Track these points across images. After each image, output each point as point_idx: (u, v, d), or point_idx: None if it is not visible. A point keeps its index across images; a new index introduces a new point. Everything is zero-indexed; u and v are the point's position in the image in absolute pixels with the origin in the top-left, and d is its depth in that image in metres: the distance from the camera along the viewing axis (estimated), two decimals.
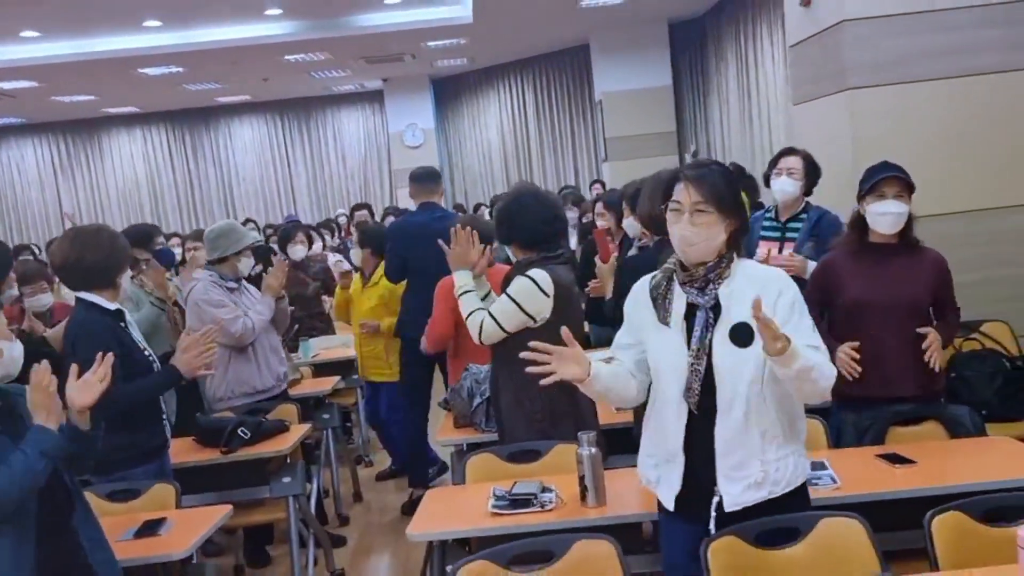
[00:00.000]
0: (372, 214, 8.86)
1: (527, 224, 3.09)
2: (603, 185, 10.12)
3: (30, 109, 13.73)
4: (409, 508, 4.86)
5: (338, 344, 5.93)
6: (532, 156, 14.28)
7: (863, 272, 3.08)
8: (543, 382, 2.12)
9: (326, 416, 4.84)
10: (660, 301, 2.16)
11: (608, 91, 11.92)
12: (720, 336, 2.07)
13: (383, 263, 5.06)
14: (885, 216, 3.03)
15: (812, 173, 3.78)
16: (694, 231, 2.09)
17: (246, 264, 4.25)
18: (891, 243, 3.08)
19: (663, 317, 2.15)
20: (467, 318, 3.09)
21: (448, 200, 14.72)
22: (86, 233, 3.10)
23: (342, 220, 10.98)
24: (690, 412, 2.13)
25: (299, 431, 3.95)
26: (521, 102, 14.27)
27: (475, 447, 3.21)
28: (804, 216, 3.78)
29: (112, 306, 3.10)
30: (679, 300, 2.13)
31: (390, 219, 8.86)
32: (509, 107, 14.42)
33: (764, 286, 2.08)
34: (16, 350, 2.38)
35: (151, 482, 3.03)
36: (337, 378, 5.23)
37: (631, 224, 4.23)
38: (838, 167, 4.29)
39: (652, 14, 11.23)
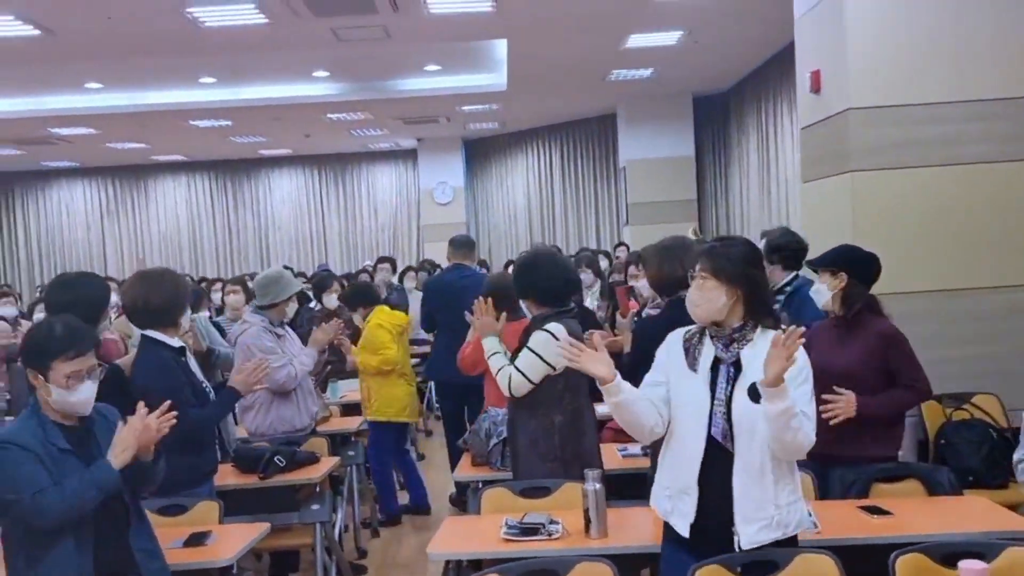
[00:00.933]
0: (394, 268, 9.14)
1: (543, 283, 3.38)
2: (627, 247, 10.38)
3: (84, 154, 14.37)
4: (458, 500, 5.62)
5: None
6: (556, 217, 14.65)
7: (822, 341, 3.33)
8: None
9: (351, 453, 5.08)
10: (691, 350, 2.40)
11: (632, 159, 12.28)
12: (740, 391, 2.30)
13: (369, 313, 5.47)
14: (814, 294, 3.41)
15: (790, 251, 4.07)
16: (698, 295, 2.38)
17: (292, 309, 4.57)
18: (845, 316, 3.36)
19: (692, 364, 2.39)
20: (496, 374, 3.36)
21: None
22: (151, 277, 3.38)
23: (369, 269, 11.31)
24: (705, 449, 2.31)
25: (329, 463, 4.21)
26: (548, 165, 14.70)
27: (489, 484, 3.44)
28: (788, 288, 4.05)
29: (176, 343, 3.35)
30: (708, 352, 2.37)
31: (423, 274, 9.29)
32: (536, 170, 14.85)
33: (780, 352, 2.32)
34: (80, 394, 2.43)
35: (196, 499, 3.29)
36: (361, 418, 5.50)
37: (644, 285, 4.55)
38: (841, 238, 4.56)
39: (678, 88, 11.65)
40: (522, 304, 3.61)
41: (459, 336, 4.58)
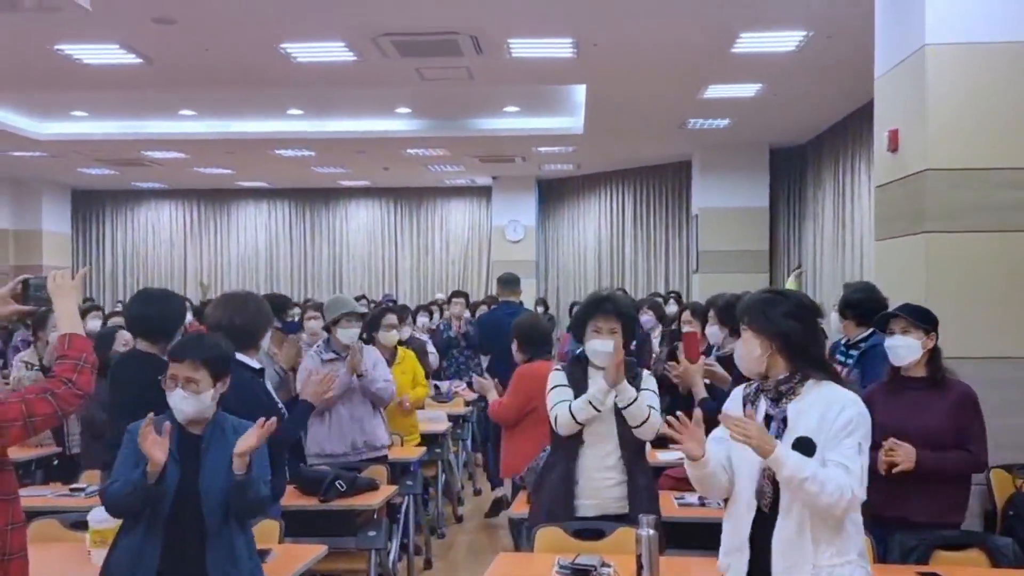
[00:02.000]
0: (468, 302, 9.28)
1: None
2: (678, 298, 10.33)
3: (172, 176, 15.02)
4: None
5: (427, 418, 6.33)
6: (625, 261, 14.66)
7: (890, 403, 3.30)
8: (675, 444, 2.40)
9: (410, 483, 5.18)
10: (748, 406, 2.43)
11: (705, 206, 12.27)
12: (786, 448, 2.29)
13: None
14: (892, 350, 3.33)
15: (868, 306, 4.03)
16: (739, 347, 2.46)
17: (344, 333, 4.69)
18: (919, 376, 3.31)
19: None
20: (648, 419, 3.37)
21: (537, 293, 15.19)
22: (236, 299, 3.52)
23: (441, 301, 11.48)
24: (758, 509, 2.35)
25: (388, 491, 4.31)
26: (620, 209, 14.76)
27: (544, 523, 3.47)
28: (863, 344, 4.01)
29: (256, 364, 3.46)
30: (762, 407, 2.40)
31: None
32: (608, 213, 14.92)
33: (830, 404, 2.31)
34: (172, 398, 2.65)
35: (258, 518, 3.40)
36: (423, 449, 5.60)
37: (714, 332, 4.57)
38: (914, 299, 4.50)
39: (755, 139, 11.63)
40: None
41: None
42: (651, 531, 2.79)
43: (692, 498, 3.91)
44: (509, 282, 7.67)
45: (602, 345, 3.39)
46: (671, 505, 3.87)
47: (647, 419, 3.36)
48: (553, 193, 15.84)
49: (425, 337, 7.81)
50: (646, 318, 7.47)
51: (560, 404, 3.38)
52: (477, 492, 7.64)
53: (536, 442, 3.97)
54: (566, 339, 4.96)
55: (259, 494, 2.64)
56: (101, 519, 3.16)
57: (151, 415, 2.59)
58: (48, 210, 15.60)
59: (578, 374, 3.46)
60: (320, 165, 13.80)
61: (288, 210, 16.87)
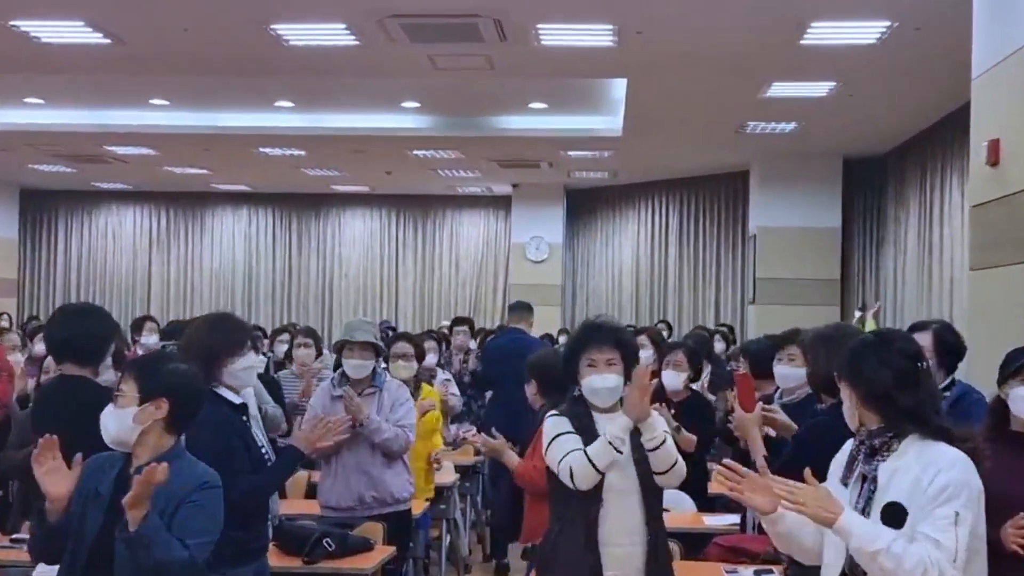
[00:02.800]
0: (472, 331, 9.22)
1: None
2: (727, 334, 10.23)
3: (138, 176, 15.15)
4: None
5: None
6: (668, 288, 14.67)
7: (1003, 465, 3.24)
8: (730, 492, 2.45)
9: (411, 544, 5.16)
10: (852, 462, 2.47)
11: (765, 225, 12.27)
12: (875, 513, 2.32)
13: None
14: (1016, 402, 3.22)
15: (949, 349, 3.99)
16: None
17: (348, 365, 4.70)
18: None
19: (845, 478, 2.47)
20: (559, 463, 3.33)
21: (564, 324, 15.16)
22: (213, 321, 3.59)
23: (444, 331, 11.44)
24: None
25: (383, 553, 4.28)
26: (663, 226, 14.77)
27: None
28: (946, 395, 3.97)
29: (236, 399, 3.50)
30: (860, 467, 2.44)
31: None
32: (648, 230, 14.93)
33: (927, 465, 2.33)
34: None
35: None
36: (427, 504, 5.58)
37: (790, 373, 4.55)
38: (1017, 342, 4.46)
39: (826, 147, 11.62)
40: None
41: (512, 395, 5.18)
42: None
43: (747, 573, 3.88)
44: (520, 308, 7.93)
45: (601, 381, 3.37)
46: None
47: (676, 462, 3.34)
48: (584, 206, 15.87)
49: (445, 375, 7.73)
50: (645, 353, 7.41)
51: (574, 453, 3.30)
52: (487, 558, 7.59)
53: None
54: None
55: (157, 558, 2.52)
56: (47, 573, 3.15)
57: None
58: None
59: (583, 418, 3.41)
60: (311, 167, 13.89)
61: (272, 219, 16.99)
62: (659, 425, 3.33)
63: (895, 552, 2.22)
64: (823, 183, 12.09)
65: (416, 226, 16.79)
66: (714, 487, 2.67)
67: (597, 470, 3.26)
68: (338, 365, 4.94)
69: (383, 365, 5.01)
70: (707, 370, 7.25)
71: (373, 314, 16.28)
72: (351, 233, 16.90)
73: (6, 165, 14.14)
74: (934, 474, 2.31)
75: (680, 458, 3.38)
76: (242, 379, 3.58)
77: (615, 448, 3.26)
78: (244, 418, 3.57)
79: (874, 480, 2.36)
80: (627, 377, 3.36)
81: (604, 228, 15.69)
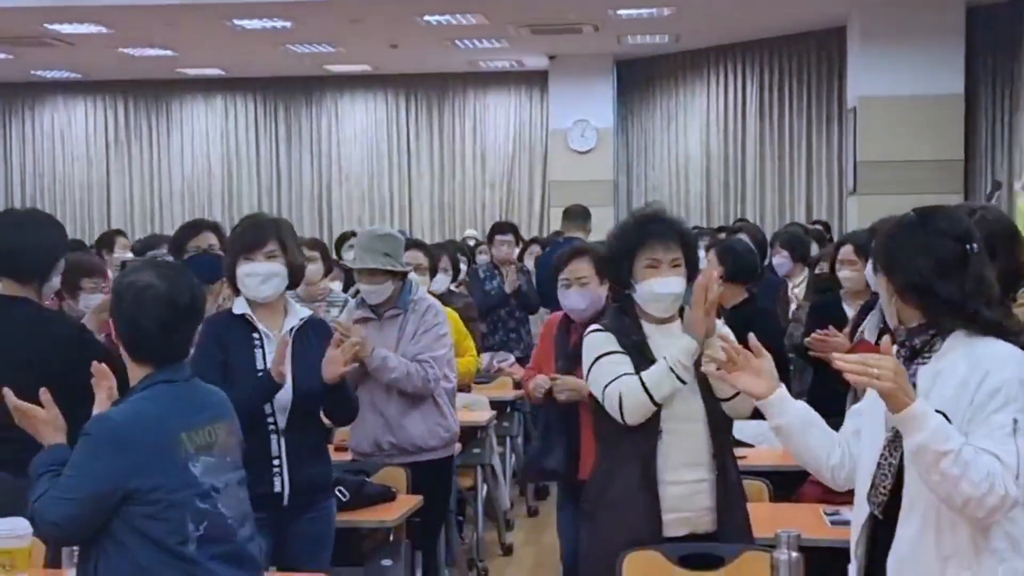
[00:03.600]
0: (518, 240, 9.24)
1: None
2: (821, 234, 10.01)
3: (89, 62, 15.18)
4: None
5: (462, 405, 6.35)
6: (747, 178, 14.55)
7: None
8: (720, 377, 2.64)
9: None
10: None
11: (867, 95, 12.10)
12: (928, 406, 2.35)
13: None
14: None
15: None
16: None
17: (364, 290, 4.71)
18: None
19: None
20: (603, 389, 3.38)
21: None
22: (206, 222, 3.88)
23: (471, 244, 11.42)
24: (872, 515, 2.50)
25: (408, 502, 4.34)
26: (738, 101, 14.59)
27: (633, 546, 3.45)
28: None
29: (239, 310, 3.78)
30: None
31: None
32: (720, 106, 14.76)
33: (976, 365, 2.38)
34: None
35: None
36: (458, 446, 5.62)
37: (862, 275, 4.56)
38: None
39: None
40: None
41: None
42: (794, 554, 2.82)
43: (849, 513, 3.88)
44: (577, 215, 8.29)
45: (663, 285, 3.38)
46: (819, 524, 3.89)
47: None
48: (638, 79, 15.68)
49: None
50: (779, 259, 7.38)
51: (623, 379, 3.33)
52: (532, 512, 7.70)
53: None
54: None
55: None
56: (11, 532, 3.23)
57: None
58: None
59: (631, 333, 3.43)
60: (298, 42, 13.80)
61: (253, 109, 16.98)
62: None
63: (965, 458, 2.26)
64: (940, 39, 11.87)
65: (431, 114, 16.73)
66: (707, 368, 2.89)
67: (654, 401, 3.30)
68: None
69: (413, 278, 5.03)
70: (803, 275, 7.21)
71: (380, 223, 16.29)
72: (351, 125, 16.87)
73: None
74: (983, 375, 2.34)
75: None
76: (247, 285, 3.83)
77: (678, 376, 3.28)
78: (255, 334, 3.79)
79: (913, 387, 2.37)
80: (690, 283, 3.39)
81: (665, 107, 15.54)
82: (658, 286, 3.37)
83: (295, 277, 3.96)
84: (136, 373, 2.92)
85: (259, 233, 3.87)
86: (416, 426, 4.75)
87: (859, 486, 2.59)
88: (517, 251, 9.04)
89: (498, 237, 8.70)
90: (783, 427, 2.66)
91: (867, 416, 2.58)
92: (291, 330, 3.81)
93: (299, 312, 3.92)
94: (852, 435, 2.65)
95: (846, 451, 2.65)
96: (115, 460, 2.76)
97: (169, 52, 14.44)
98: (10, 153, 17.40)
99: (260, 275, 3.80)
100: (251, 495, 3.48)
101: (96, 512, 2.77)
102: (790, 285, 7.17)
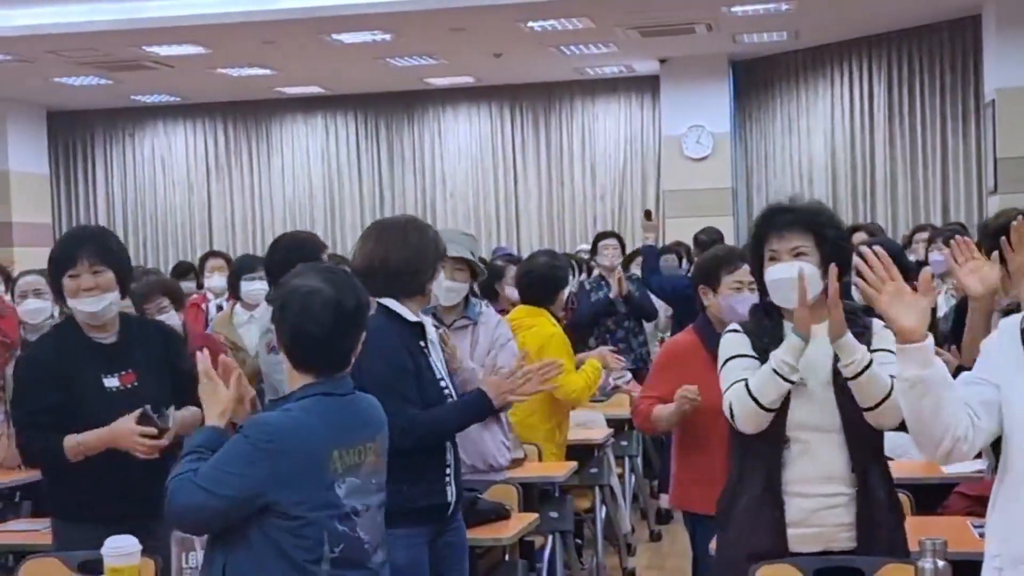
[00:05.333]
0: (623, 246, 9.24)
1: None
2: (963, 231, 9.88)
3: (188, 84, 15.59)
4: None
5: (576, 423, 6.36)
6: (876, 180, 14.34)
7: None
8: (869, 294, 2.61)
9: (554, 515, 5.24)
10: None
11: (1005, 87, 11.92)
12: None
13: None
14: None
15: None
16: None
17: (442, 287, 4.75)
18: None
19: None
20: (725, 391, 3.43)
21: (742, 235, 14.95)
22: (392, 228, 3.92)
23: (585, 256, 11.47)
24: None
25: (523, 520, 4.41)
26: (865, 99, 14.39)
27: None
28: None
29: (413, 318, 3.84)
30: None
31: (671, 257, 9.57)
32: (846, 106, 14.57)
33: None
34: None
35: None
36: (573, 465, 5.64)
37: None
38: None
39: None
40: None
41: None
42: (940, 563, 2.75)
43: None
44: (713, 244, 8.18)
45: (773, 272, 3.38)
46: (967, 536, 3.84)
47: (888, 396, 3.22)
48: (757, 80, 15.59)
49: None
50: (937, 256, 7.24)
51: (736, 384, 3.35)
52: (655, 536, 7.67)
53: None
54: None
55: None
56: (120, 551, 3.35)
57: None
58: (16, 142, 16.50)
59: (766, 335, 3.42)
60: (399, 55, 14.00)
61: (354, 127, 17.23)
62: (855, 347, 3.26)
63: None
64: None
65: (537, 125, 16.77)
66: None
67: (762, 407, 3.27)
68: None
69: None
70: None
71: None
72: (454, 140, 17.01)
73: (27, 81, 14.73)
74: None
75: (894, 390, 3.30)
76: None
77: (782, 377, 3.24)
78: (422, 342, 3.87)
79: None
80: (840, 274, 3.28)
81: (785, 109, 15.36)
82: (769, 274, 3.37)
83: None
84: (296, 380, 2.99)
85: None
86: (487, 443, 4.80)
87: (1018, 471, 2.55)
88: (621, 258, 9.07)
89: (602, 243, 8.79)
90: (926, 379, 2.55)
91: (1015, 395, 2.51)
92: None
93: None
94: (979, 405, 2.58)
95: (972, 422, 2.58)
96: (265, 468, 2.82)
97: (268, 71, 14.77)
98: (111, 181, 17.91)
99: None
100: (419, 507, 3.71)
101: (230, 512, 2.83)
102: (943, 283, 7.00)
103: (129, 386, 3.90)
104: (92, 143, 17.92)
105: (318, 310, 2.91)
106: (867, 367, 3.23)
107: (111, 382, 3.88)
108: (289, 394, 2.99)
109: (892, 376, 3.20)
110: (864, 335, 3.35)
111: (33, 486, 5.59)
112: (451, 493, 3.85)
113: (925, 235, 8.37)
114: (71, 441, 3.72)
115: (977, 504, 4.08)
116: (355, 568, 2.90)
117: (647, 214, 8.68)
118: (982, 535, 3.75)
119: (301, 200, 17.38)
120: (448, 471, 3.84)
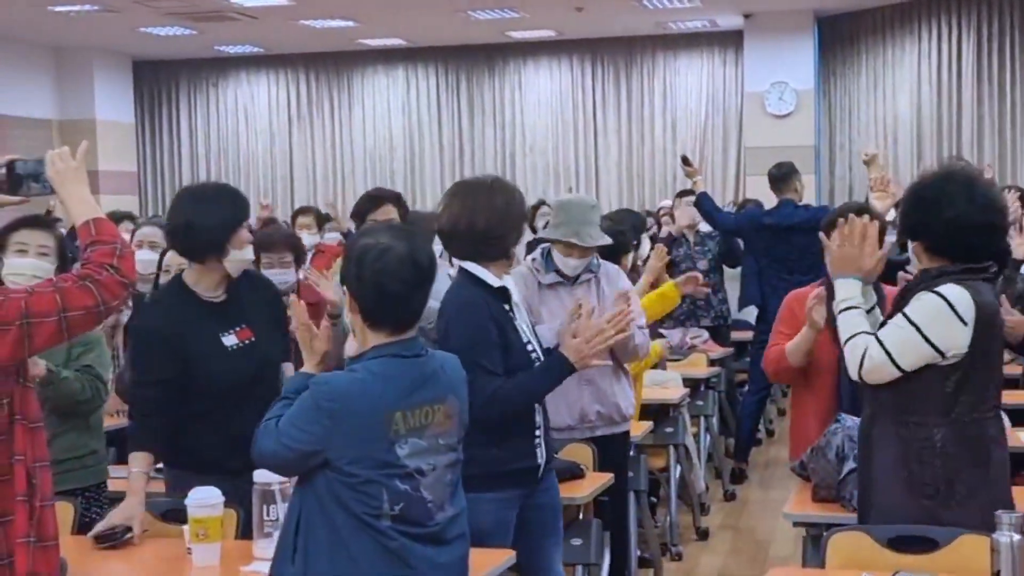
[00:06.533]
0: None
1: (949, 219, 3.38)
2: None
3: (270, 36, 15.75)
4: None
5: (652, 382, 6.42)
6: (963, 141, 14.13)
7: None
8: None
9: (630, 473, 5.31)
10: None
11: None
12: None
13: None
14: None
15: None
16: None
17: (569, 265, 4.75)
18: None
19: None
20: (845, 343, 3.46)
21: (824, 194, 14.85)
22: (477, 189, 3.87)
23: (665, 212, 11.46)
24: None
25: (598, 480, 4.44)
26: (954, 57, 14.19)
27: (839, 527, 3.51)
28: None
29: (497, 282, 3.80)
30: None
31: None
32: (933, 64, 14.36)
33: None
34: None
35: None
36: (649, 424, 5.70)
37: None
38: None
39: None
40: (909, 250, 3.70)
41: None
42: (1016, 536, 2.78)
43: None
44: (785, 176, 8.16)
45: None
46: None
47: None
48: (842, 35, 15.37)
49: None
50: None
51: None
52: (729, 496, 7.72)
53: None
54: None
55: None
56: (203, 502, 3.48)
57: None
58: (103, 91, 16.80)
59: None
60: (481, 7, 14.01)
61: (435, 80, 17.30)
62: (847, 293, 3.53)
63: None
64: None
65: (618, 80, 16.70)
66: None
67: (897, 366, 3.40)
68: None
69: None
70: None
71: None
72: (535, 94, 17.00)
73: (113, 30, 14.99)
74: None
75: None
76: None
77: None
78: (506, 306, 3.83)
79: None
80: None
81: (871, 66, 15.13)
82: None
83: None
84: (369, 339, 3.02)
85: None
86: (621, 393, 4.85)
87: None
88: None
89: (679, 200, 8.83)
90: None
91: None
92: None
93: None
94: None
95: None
96: (323, 425, 2.91)
97: (350, 23, 14.85)
98: (195, 130, 18.19)
99: None
100: (509, 470, 3.73)
101: (301, 463, 2.97)
102: None
103: (247, 342, 3.96)
104: (177, 93, 18.19)
105: (396, 267, 2.95)
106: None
107: (229, 340, 3.95)
108: (362, 353, 3.04)
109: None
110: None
111: (118, 432, 5.75)
112: (540, 455, 3.82)
113: (1013, 196, 8.20)
114: (132, 463, 3.81)
115: None
116: (417, 525, 2.97)
117: (684, 160, 8.39)
118: None
119: (382, 152, 17.50)
120: (537, 433, 3.82)
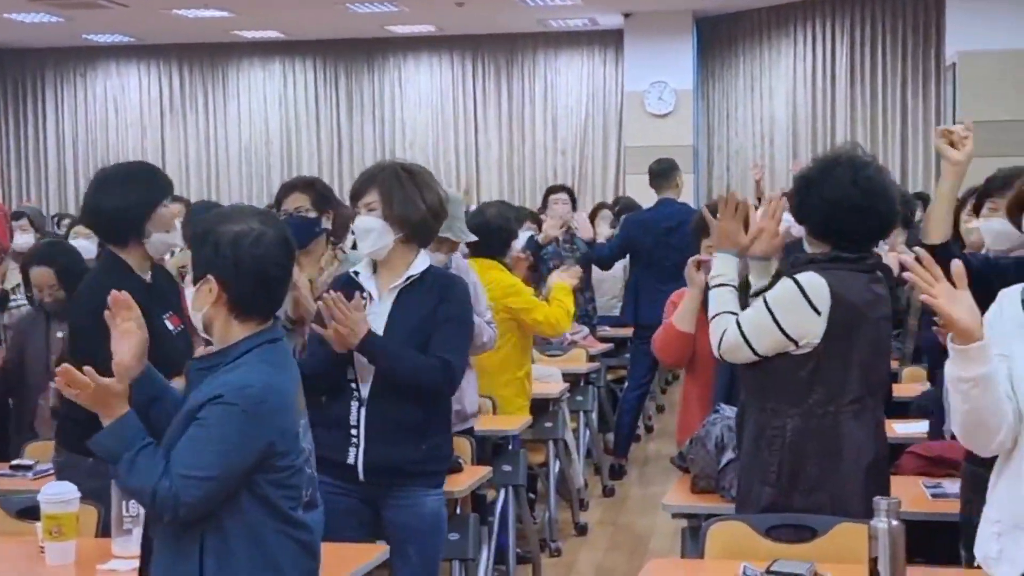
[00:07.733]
0: (574, 201, 9.15)
1: (828, 200, 3.39)
2: (926, 202, 9.95)
3: (142, 24, 15.36)
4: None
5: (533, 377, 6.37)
6: (837, 137, 14.36)
7: None
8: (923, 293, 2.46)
9: (507, 468, 5.24)
10: None
11: (967, 50, 11.97)
12: None
13: None
14: None
15: None
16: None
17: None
18: None
19: None
20: (711, 319, 3.50)
21: (702, 194, 15.00)
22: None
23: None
24: None
25: (476, 473, 4.38)
26: (827, 59, 14.43)
27: (717, 516, 3.51)
28: None
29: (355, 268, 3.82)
30: None
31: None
32: (808, 65, 14.60)
33: None
34: None
35: None
36: (528, 419, 5.64)
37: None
38: None
39: None
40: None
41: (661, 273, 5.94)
42: (893, 522, 2.78)
43: (953, 487, 3.84)
44: (665, 172, 8.15)
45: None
46: (920, 497, 3.87)
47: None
48: (720, 37, 15.58)
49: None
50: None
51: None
52: (608, 492, 7.71)
53: None
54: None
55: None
56: (57, 497, 3.33)
57: None
58: None
59: None
60: (361, 1, 13.87)
61: (313, 74, 17.10)
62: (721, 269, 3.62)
63: None
64: None
65: (499, 77, 16.72)
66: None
67: (751, 348, 3.53)
68: None
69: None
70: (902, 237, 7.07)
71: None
72: (415, 90, 16.92)
73: None
74: None
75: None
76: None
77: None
78: (363, 293, 3.76)
79: None
80: None
81: (748, 67, 15.37)
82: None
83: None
84: (235, 332, 2.81)
85: (358, 184, 3.82)
86: (468, 391, 4.79)
87: None
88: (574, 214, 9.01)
89: (552, 198, 8.77)
90: (986, 376, 2.44)
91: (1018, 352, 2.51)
92: (393, 289, 3.74)
93: (418, 267, 3.75)
94: (1010, 384, 2.52)
95: (1015, 407, 2.52)
96: (259, 431, 2.72)
97: (225, 13, 14.56)
98: (62, 123, 17.69)
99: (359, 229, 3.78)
100: (329, 461, 3.56)
101: (230, 486, 2.71)
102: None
103: (181, 328, 3.82)
104: (43, 82, 17.67)
105: (276, 252, 2.78)
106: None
107: (170, 325, 3.80)
108: (228, 348, 2.81)
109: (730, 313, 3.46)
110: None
111: None
112: (353, 456, 3.70)
113: None
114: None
115: (930, 465, 4.12)
116: (314, 508, 2.90)
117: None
118: (935, 495, 3.87)
119: (257, 146, 17.24)
120: (354, 433, 3.70)
